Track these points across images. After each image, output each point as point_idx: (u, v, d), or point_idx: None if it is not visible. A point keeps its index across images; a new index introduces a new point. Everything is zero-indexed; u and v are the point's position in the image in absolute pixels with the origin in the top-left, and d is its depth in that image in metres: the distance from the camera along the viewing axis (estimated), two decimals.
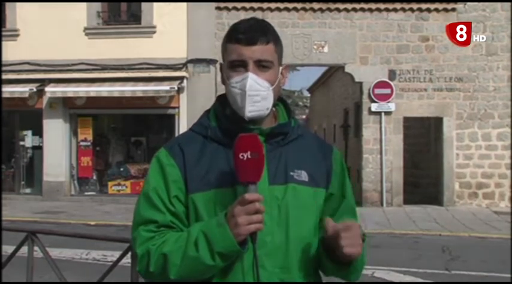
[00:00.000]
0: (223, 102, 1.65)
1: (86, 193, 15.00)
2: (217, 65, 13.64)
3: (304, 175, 1.61)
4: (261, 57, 1.55)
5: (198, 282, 1.52)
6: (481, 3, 13.98)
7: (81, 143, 14.89)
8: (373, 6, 14.07)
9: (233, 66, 1.57)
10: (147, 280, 1.58)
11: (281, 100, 1.73)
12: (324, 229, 1.49)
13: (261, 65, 1.56)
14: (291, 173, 1.59)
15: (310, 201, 1.61)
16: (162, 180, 1.57)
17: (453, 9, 14.01)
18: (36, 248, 4.30)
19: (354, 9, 14.11)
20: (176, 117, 14.30)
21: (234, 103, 1.58)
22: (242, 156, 1.43)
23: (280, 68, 1.64)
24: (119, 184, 14.95)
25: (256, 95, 1.55)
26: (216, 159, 1.58)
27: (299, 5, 14.10)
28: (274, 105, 1.68)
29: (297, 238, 1.56)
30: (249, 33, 1.55)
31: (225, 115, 1.63)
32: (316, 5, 14.10)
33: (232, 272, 1.51)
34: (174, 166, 1.58)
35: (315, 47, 14.18)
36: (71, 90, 13.96)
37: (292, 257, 1.56)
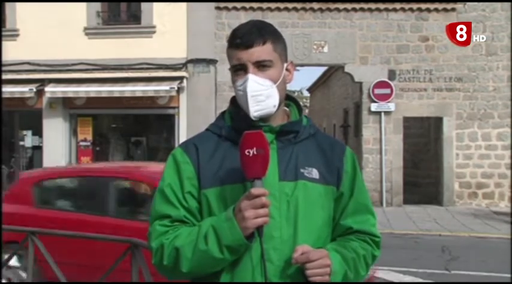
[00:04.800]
0: (236, 102, 1.70)
1: None
2: (217, 65, 13.77)
3: (315, 173, 1.64)
4: (259, 58, 1.60)
5: (210, 275, 1.57)
6: (481, 3, 13.99)
7: (81, 143, 14.89)
8: (373, 6, 14.07)
9: (236, 70, 1.64)
10: (162, 273, 1.63)
11: (293, 99, 1.78)
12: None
13: (261, 65, 1.61)
14: (302, 170, 1.63)
15: (320, 198, 1.64)
16: (176, 177, 1.64)
17: (453, 9, 14.02)
18: None
19: (354, 9, 14.11)
20: (176, 117, 14.29)
21: (242, 105, 1.64)
22: (248, 152, 1.48)
23: (285, 64, 1.70)
24: None
25: (259, 95, 1.59)
26: (228, 156, 1.63)
27: (299, 5, 14.10)
28: (287, 105, 1.75)
29: (305, 234, 1.59)
30: (245, 36, 1.60)
31: (239, 115, 1.68)
32: (316, 5, 14.10)
33: (241, 266, 1.56)
34: (188, 164, 1.64)
35: (315, 47, 14.18)
36: (70, 90, 13.96)
37: None
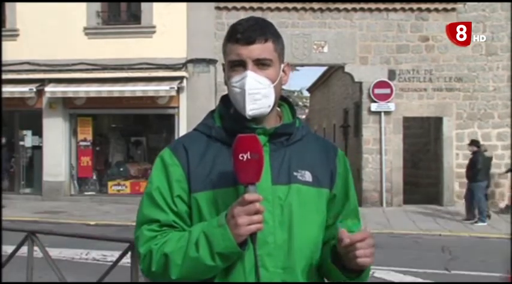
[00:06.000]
0: (227, 102, 1.65)
1: (86, 193, 15.00)
2: (217, 65, 13.76)
3: (308, 176, 1.60)
4: (260, 56, 1.55)
5: (200, 282, 1.51)
6: (481, 3, 13.99)
7: (81, 143, 14.89)
8: (373, 6, 14.07)
9: (233, 65, 1.57)
10: (150, 279, 1.58)
11: (285, 100, 1.73)
12: (337, 238, 1.47)
13: (260, 64, 1.56)
14: (295, 173, 1.58)
15: (314, 201, 1.60)
16: (165, 180, 1.57)
17: (453, 9, 14.02)
18: (36, 248, 4.30)
19: (354, 9, 14.11)
20: (176, 117, 14.30)
21: (236, 103, 1.58)
22: (242, 156, 1.43)
23: (282, 65, 1.64)
24: (118, 184, 14.95)
25: (257, 93, 1.54)
26: (219, 159, 1.57)
27: (299, 5, 14.10)
28: (279, 105, 1.69)
29: (300, 238, 1.55)
30: (247, 32, 1.55)
31: (229, 115, 1.63)
32: (316, 5, 14.10)
33: (233, 273, 1.50)
34: (177, 166, 1.57)
35: (315, 47, 14.18)
36: (70, 90, 13.96)
37: (295, 258, 1.54)
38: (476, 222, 11.56)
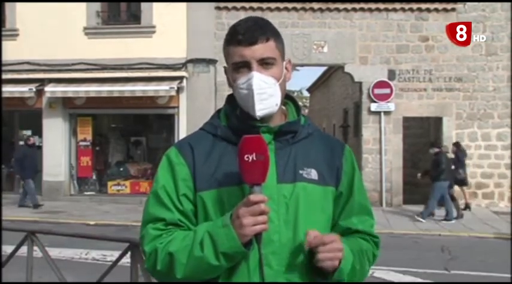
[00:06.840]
0: (232, 101, 1.66)
1: (86, 193, 15.00)
2: (217, 65, 13.75)
3: (313, 174, 1.60)
4: (263, 55, 1.55)
5: (204, 282, 1.52)
6: (481, 3, 13.99)
7: (81, 143, 14.89)
8: (373, 6, 14.07)
9: (237, 67, 1.58)
10: (156, 278, 1.59)
11: (290, 98, 1.74)
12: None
13: (264, 63, 1.56)
14: (300, 171, 1.59)
15: (320, 200, 1.60)
16: (171, 178, 1.58)
17: (453, 9, 14.02)
18: (35, 248, 4.30)
19: (354, 9, 14.12)
20: (176, 116, 14.30)
21: (244, 104, 1.59)
22: (247, 157, 1.43)
23: (284, 62, 1.65)
24: (118, 184, 14.95)
25: (263, 93, 1.55)
26: (225, 158, 1.58)
27: (299, 5, 14.11)
28: (284, 103, 1.69)
29: (305, 237, 1.54)
30: (248, 33, 1.55)
31: (235, 114, 1.64)
32: (316, 5, 14.10)
33: (238, 272, 1.51)
34: (183, 165, 1.59)
35: (315, 47, 14.18)
36: (70, 90, 13.96)
37: (300, 256, 1.54)
38: (418, 217, 11.71)
